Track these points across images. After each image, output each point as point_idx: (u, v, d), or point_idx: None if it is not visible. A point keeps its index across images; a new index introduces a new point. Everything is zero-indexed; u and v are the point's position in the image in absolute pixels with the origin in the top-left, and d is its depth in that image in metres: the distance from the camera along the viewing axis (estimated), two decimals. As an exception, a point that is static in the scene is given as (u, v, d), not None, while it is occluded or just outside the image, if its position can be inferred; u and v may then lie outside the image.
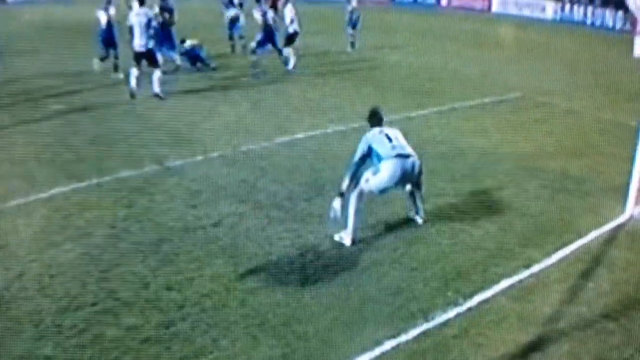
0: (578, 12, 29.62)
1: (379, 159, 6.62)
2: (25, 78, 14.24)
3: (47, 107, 11.90)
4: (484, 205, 7.64)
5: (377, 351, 4.91)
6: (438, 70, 16.34)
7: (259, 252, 6.40)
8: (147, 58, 12.25)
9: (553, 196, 8.10)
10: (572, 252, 6.56)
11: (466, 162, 8.61)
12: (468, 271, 6.13)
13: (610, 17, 27.88)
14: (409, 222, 7.15)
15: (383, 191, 6.72)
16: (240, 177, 8.42)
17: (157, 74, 12.32)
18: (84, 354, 4.80)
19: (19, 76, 14.23)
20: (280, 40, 15.34)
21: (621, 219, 7.33)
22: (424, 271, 6.12)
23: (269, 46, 15.07)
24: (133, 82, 12.23)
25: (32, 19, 25.39)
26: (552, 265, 6.29)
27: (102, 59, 14.24)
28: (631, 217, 7.35)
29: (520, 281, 5.96)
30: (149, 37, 12.13)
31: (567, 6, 30.17)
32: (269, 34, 14.92)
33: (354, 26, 18.97)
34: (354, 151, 6.75)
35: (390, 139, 6.68)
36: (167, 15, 14.98)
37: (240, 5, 17.69)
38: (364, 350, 4.90)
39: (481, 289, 5.78)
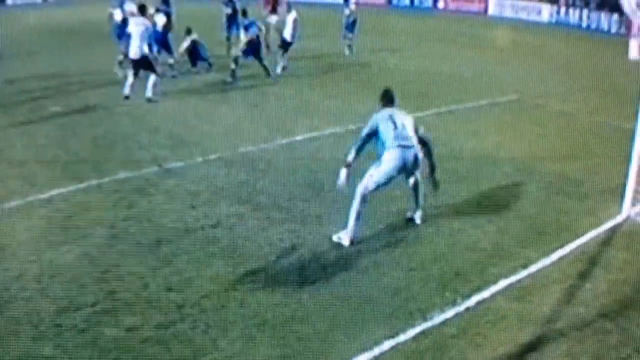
0: (574, 15, 29.72)
1: (383, 146, 6.73)
2: (24, 80, 14.26)
3: (47, 108, 11.92)
4: (481, 206, 7.69)
5: (376, 351, 4.92)
6: (435, 72, 16.38)
7: (258, 253, 6.42)
8: (142, 64, 12.36)
9: (550, 197, 8.14)
10: (569, 253, 6.59)
11: (463, 164, 8.67)
12: (466, 271, 6.16)
13: (605, 20, 27.98)
14: (407, 222, 7.19)
15: (386, 183, 6.77)
16: (240, 179, 8.45)
17: (152, 78, 12.38)
18: (84, 354, 4.81)
19: (18, 78, 14.25)
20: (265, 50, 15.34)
21: (618, 220, 7.38)
22: (422, 271, 6.15)
23: (251, 58, 15.05)
24: (127, 87, 12.34)
25: (32, 22, 25.37)
26: (550, 265, 6.32)
27: (121, 63, 14.26)
28: (628, 217, 7.40)
29: (518, 281, 5.99)
30: (144, 45, 12.27)
31: (563, 9, 30.27)
32: (254, 48, 14.90)
33: (351, 30, 19.03)
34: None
35: (395, 126, 6.76)
36: (164, 19, 15.03)
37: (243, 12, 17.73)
38: (363, 350, 4.92)
39: (479, 289, 5.80)
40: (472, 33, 25.00)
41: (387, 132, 6.73)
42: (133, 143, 9.88)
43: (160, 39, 14.24)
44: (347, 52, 18.96)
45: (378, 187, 6.73)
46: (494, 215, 7.47)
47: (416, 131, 6.86)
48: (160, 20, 14.66)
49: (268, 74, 15.00)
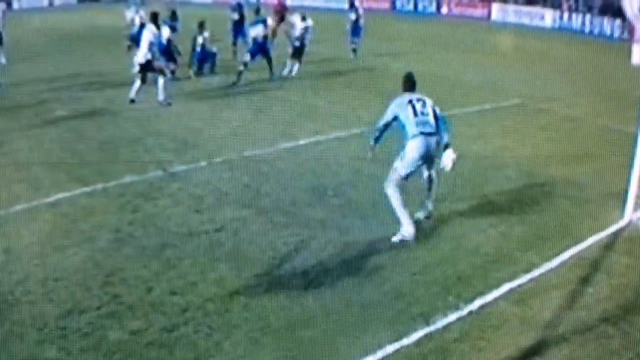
0: (577, 20, 29.73)
1: (405, 132, 6.88)
2: (30, 83, 14.35)
3: (53, 112, 11.99)
4: (484, 210, 7.70)
5: (379, 354, 4.93)
6: (438, 77, 16.37)
7: (262, 257, 6.44)
8: (148, 68, 12.47)
9: (552, 202, 8.15)
10: (571, 257, 6.59)
11: (466, 168, 8.66)
12: (469, 275, 6.17)
13: (608, 25, 27.98)
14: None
15: (414, 172, 6.92)
16: (244, 183, 8.48)
17: (160, 81, 12.46)
18: (88, 358, 4.83)
19: (25, 81, 14.34)
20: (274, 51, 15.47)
21: (620, 225, 7.38)
22: (425, 275, 6.17)
23: (258, 58, 15.15)
24: (133, 91, 12.44)
25: (37, 25, 25.51)
26: (552, 270, 6.32)
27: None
28: (630, 222, 7.40)
29: (521, 286, 6.00)
30: (150, 52, 12.42)
31: (566, 14, 30.29)
32: (260, 47, 15.01)
33: (357, 34, 19.11)
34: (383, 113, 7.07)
35: (415, 113, 6.86)
36: (169, 31, 15.15)
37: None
38: (366, 353, 4.93)
39: (482, 293, 5.81)
40: (475, 38, 25.02)
41: (407, 119, 6.86)
42: (138, 147, 9.92)
43: (163, 50, 14.35)
44: (352, 56, 19.04)
45: (407, 176, 6.87)
46: (497, 220, 7.48)
47: (435, 113, 6.98)
48: (165, 32, 14.80)
49: (271, 73, 15.08)
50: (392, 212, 6.85)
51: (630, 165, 7.41)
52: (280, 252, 6.56)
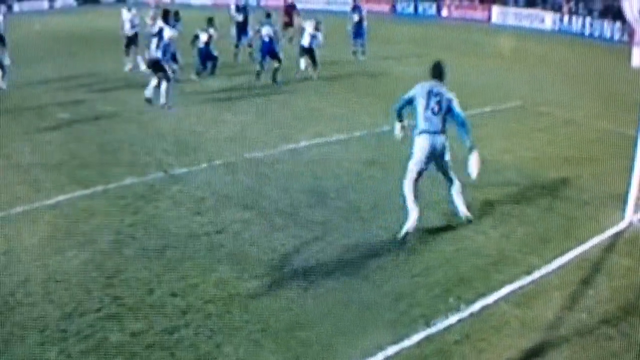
0: (577, 23, 29.73)
1: (416, 124, 7.08)
2: (31, 85, 14.37)
3: (53, 114, 12.00)
4: (485, 212, 7.69)
5: (380, 356, 4.94)
6: (439, 80, 16.39)
7: (263, 259, 6.44)
8: (155, 66, 12.56)
9: (553, 204, 8.14)
10: (572, 259, 6.59)
11: (467, 170, 8.64)
12: (470, 277, 6.17)
13: (608, 28, 27.97)
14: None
15: (422, 171, 7.07)
16: (245, 185, 8.49)
17: (163, 85, 12.47)
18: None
19: (25, 84, 14.35)
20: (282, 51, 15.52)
21: (620, 226, 7.37)
22: (426, 277, 6.17)
23: (268, 59, 15.20)
24: (149, 90, 12.49)
25: (38, 28, 25.53)
26: (553, 272, 6.32)
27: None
28: (630, 224, 7.39)
29: (522, 287, 5.99)
30: (159, 49, 12.54)
31: (566, 17, 30.28)
32: (268, 49, 15.06)
33: (361, 36, 19.12)
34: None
35: (427, 107, 6.99)
36: (170, 32, 15.19)
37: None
38: (367, 355, 4.93)
39: (483, 295, 5.81)
40: (475, 40, 25.04)
41: (419, 110, 7.03)
42: (139, 149, 9.92)
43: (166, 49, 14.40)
44: (361, 57, 19.06)
45: (420, 173, 7.05)
46: (498, 222, 7.48)
47: (452, 111, 7.06)
48: (167, 33, 14.82)
49: (274, 77, 15.10)
50: (392, 214, 6.86)
51: (630, 168, 7.41)
52: (281, 254, 6.56)
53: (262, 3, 33.77)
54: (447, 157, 7.15)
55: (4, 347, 4.95)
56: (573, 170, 9.42)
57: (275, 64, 15.19)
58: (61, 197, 7.85)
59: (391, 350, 5.00)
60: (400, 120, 7.33)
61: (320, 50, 16.22)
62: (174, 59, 15.08)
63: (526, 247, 6.84)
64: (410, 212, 6.95)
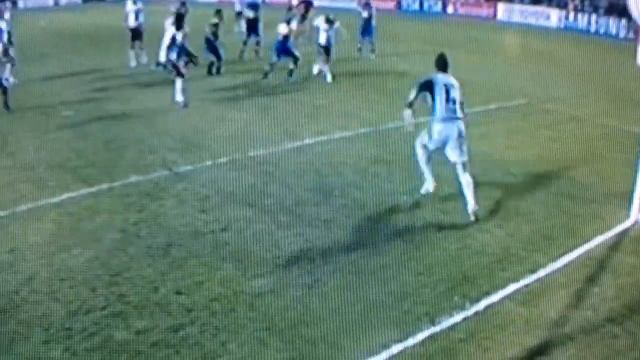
0: (582, 20, 29.60)
1: (434, 109, 7.43)
2: (36, 83, 14.39)
3: (58, 112, 12.02)
4: (490, 210, 7.68)
5: (384, 355, 4.94)
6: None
7: (267, 257, 6.45)
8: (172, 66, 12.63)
9: (558, 202, 8.12)
10: (577, 257, 6.58)
11: (472, 168, 8.61)
12: (475, 275, 6.16)
13: (614, 25, 27.85)
14: (415, 226, 7.20)
15: (433, 150, 7.60)
16: (249, 182, 8.48)
17: (178, 82, 12.45)
18: (94, 358, 4.85)
19: (30, 81, 14.37)
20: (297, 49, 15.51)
21: (626, 224, 7.36)
22: (430, 275, 6.16)
23: (283, 57, 15.18)
24: (179, 94, 12.44)
25: (43, 25, 25.55)
26: (558, 270, 6.31)
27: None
28: (636, 222, 7.37)
29: (527, 286, 5.99)
30: (172, 51, 12.53)
31: (572, 14, 30.16)
32: (283, 47, 15.04)
33: (369, 33, 19.08)
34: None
35: (448, 98, 7.37)
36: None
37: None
38: (371, 353, 4.93)
39: (488, 293, 5.81)
40: (481, 38, 24.96)
41: (439, 100, 7.36)
42: (143, 147, 9.93)
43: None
44: (372, 56, 19.01)
45: (431, 149, 7.60)
46: (503, 219, 7.47)
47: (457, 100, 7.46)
48: (179, 35, 14.81)
49: (291, 73, 15.06)
50: (397, 212, 6.86)
51: (636, 165, 7.38)
52: (286, 252, 6.56)
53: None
54: (465, 146, 7.48)
55: (9, 345, 4.96)
56: (578, 167, 9.39)
57: (291, 65, 15.09)
58: (66, 195, 7.86)
59: (396, 348, 5.01)
60: (411, 106, 7.40)
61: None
62: (188, 55, 15.06)
63: (531, 245, 6.83)
64: (424, 176, 7.73)
